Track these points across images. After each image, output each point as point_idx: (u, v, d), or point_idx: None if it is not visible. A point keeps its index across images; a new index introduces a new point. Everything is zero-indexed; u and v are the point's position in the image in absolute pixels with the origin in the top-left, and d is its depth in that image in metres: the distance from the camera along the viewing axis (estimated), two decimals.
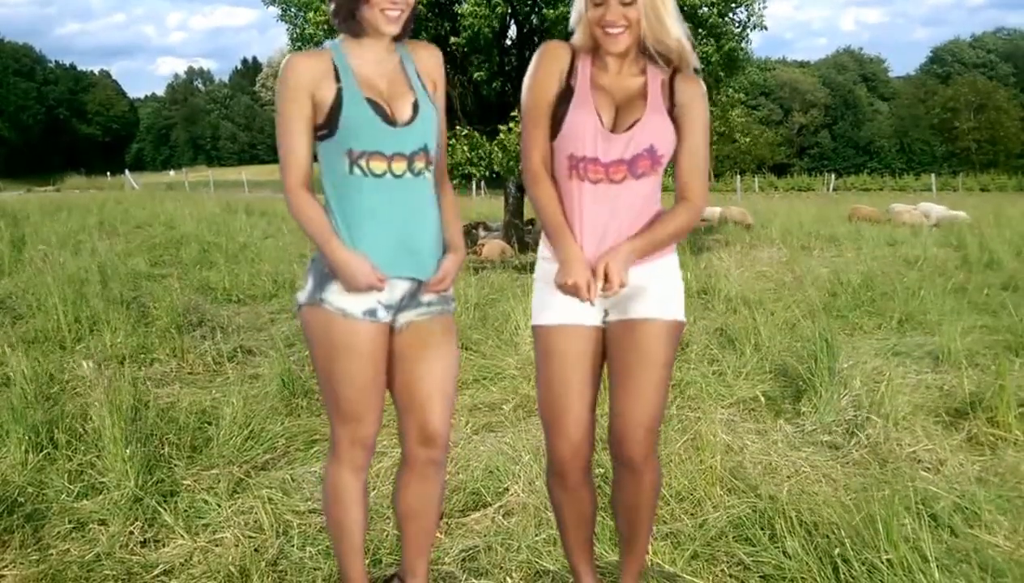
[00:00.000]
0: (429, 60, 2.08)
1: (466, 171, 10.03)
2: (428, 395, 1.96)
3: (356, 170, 1.94)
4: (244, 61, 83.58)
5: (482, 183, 26.65)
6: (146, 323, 5.61)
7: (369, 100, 1.95)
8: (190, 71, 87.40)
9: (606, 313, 2.00)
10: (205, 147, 72.19)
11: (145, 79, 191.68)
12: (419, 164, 1.98)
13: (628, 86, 2.00)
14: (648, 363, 1.91)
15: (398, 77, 2.01)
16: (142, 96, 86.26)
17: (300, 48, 10.63)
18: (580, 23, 2.02)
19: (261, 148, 72.15)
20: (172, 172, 54.41)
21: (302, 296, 1.98)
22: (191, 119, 73.48)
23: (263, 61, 76.18)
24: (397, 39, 2.03)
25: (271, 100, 71.25)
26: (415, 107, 1.99)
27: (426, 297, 1.99)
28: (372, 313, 1.93)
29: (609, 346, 1.97)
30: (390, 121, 1.96)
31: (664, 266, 1.99)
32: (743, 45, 10.30)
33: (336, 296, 1.93)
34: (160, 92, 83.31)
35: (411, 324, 1.98)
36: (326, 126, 1.96)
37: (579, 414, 1.95)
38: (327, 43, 2.04)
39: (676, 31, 1.95)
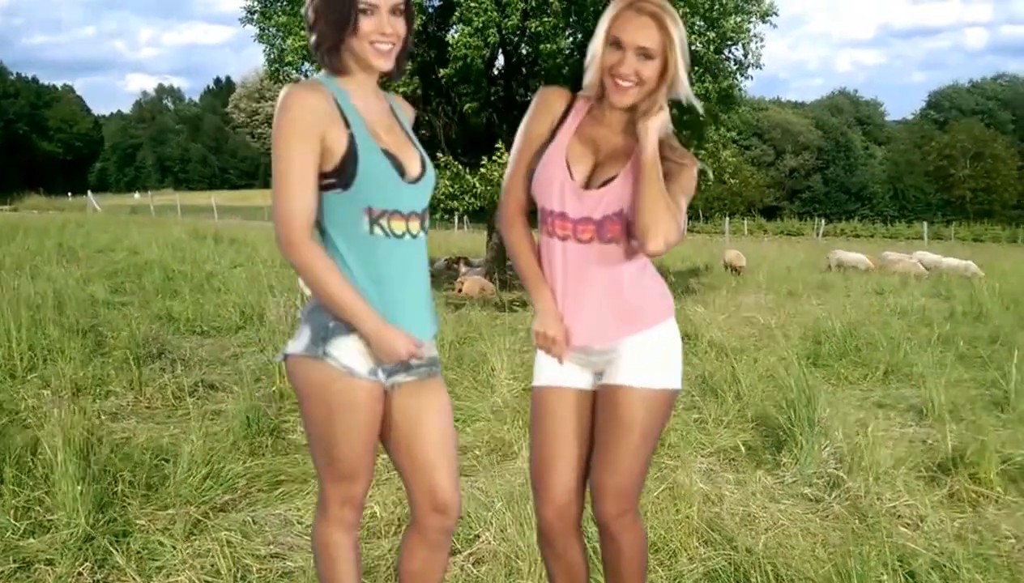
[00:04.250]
0: (411, 115, 2.12)
1: (448, 206, 10.21)
2: (434, 460, 1.97)
3: (377, 230, 1.92)
4: (217, 80, 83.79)
5: (464, 217, 26.92)
6: (103, 353, 5.59)
7: (385, 152, 1.92)
8: (159, 89, 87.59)
9: (599, 377, 2.05)
10: (173, 169, 72.00)
11: (113, 95, 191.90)
12: (425, 223, 2.00)
13: (616, 142, 2.02)
14: (622, 431, 1.97)
15: (394, 126, 2.00)
16: (107, 113, 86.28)
17: (277, 71, 10.74)
18: (592, 65, 2.00)
19: (232, 172, 72.09)
20: (137, 194, 54.23)
21: (295, 347, 1.93)
22: (159, 139, 73.43)
23: (237, 81, 76.57)
24: (386, 79, 1.99)
25: (244, 122, 71.74)
26: (423, 164, 1.99)
27: (414, 361, 1.97)
28: (374, 373, 1.93)
29: (595, 411, 2.04)
30: (404, 175, 1.94)
31: (653, 335, 2.02)
32: (739, 83, 10.62)
33: (344, 353, 1.90)
34: (127, 109, 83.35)
35: (403, 385, 1.98)
36: (336, 176, 1.89)
37: (565, 478, 2.02)
38: (318, 76, 1.97)
39: (687, 89, 1.98)
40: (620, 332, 2.00)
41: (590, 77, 2.01)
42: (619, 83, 1.96)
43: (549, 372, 2.06)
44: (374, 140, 1.92)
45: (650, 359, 2.00)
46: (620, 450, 1.96)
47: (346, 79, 1.96)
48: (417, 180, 1.97)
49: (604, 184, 1.99)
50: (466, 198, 9.85)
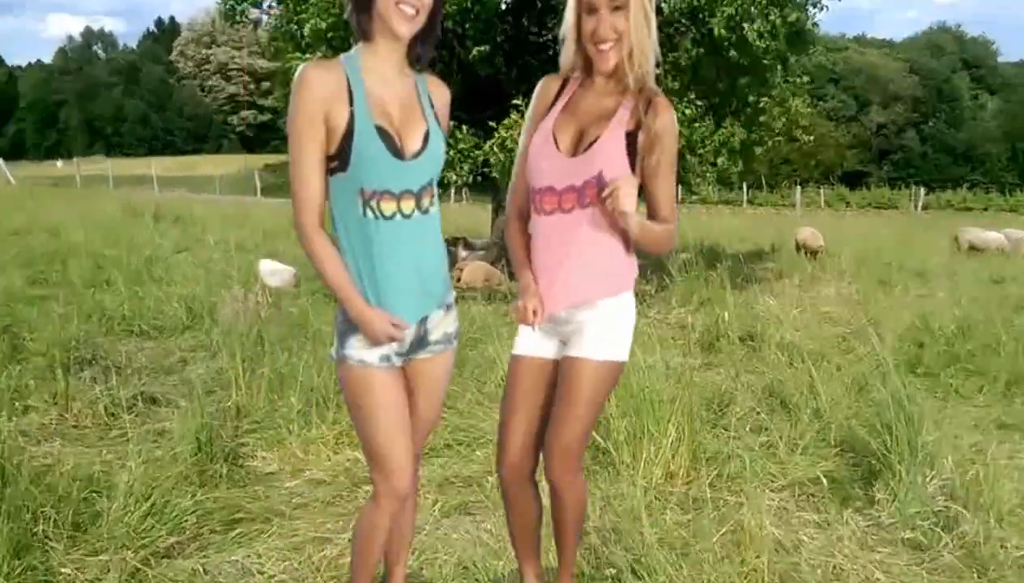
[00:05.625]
0: (443, 96, 2.52)
1: (442, 177, 10.14)
2: (417, 427, 2.54)
3: (368, 212, 2.33)
4: (159, 22, 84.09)
5: (463, 189, 26.71)
6: (19, 359, 5.62)
7: (379, 128, 2.31)
8: (87, 33, 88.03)
9: (564, 347, 2.67)
10: (104, 132, 72.06)
11: (29, 42, 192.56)
12: (426, 201, 2.39)
13: (602, 106, 2.57)
14: (571, 398, 2.58)
15: (412, 103, 2.41)
16: (23, 64, 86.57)
17: (233, 10, 10.74)
18: (567, 41, 2.59)
19: (178, 134, 72.13)
20: (60, 162, 54.57)
21: (333, 352, 2.48)
22: (87, 95, 73.37)
23: (183, 23, 76.78)
24: (415, 62, 2.43)
25: (191, 73, 71.60)
26: (426, 138, 2.38)
27: (433, 336, 2.52)
28: (387, 359, 2.43)
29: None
30: (398, 153, 2.33)
31: (610, 306, 2.61)
32: (811, 17, 10.39)
33: (355, 349, 2.41)
34: (48, 59, 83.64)
35: (416, 361, 2.51)
36: (337, 158, 2.31)
37: (517, 438, 2.68)
38: (341, 56, 2.39)
39: (654, 44, 2.55)
40: (588, 294, 2.59)
41: (567, 54, 2.60)
42: (600, 48, 2.52)
43: (521, 342, 2.71)
44: (371, 118, 2.30)
45: (604, 331, 2.59)
46: (565, 416, 2.58)
47: (369, 53, 2.39)
48: (416, 156, 2.35)
49: (588, 148, 2.52)
50: (464, 166, 9.74)
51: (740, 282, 9.98)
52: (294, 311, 6.79)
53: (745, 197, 42.81)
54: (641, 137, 2.53)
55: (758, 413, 4.92)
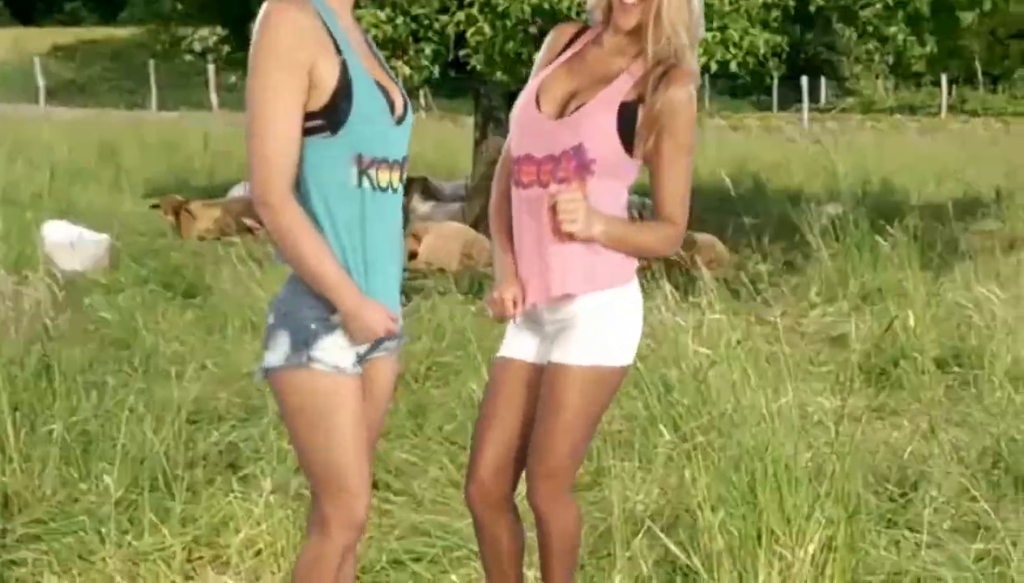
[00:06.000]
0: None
1: (394, 68, 7.44)
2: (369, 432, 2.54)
3: (365, 182, 2.32)
4: None
5: (423, 92, 19.19)
6: None
7: (378, 85, 2.33)
8: None
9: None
10: None
11: None
12: (404, 174, 2.44)
13: (607, 67, 2.61)
14: (556, 411, 2.57)
15: (373, 56, 2.43)
16: None
17: None
18: None
19: None
20: None
21: (274, 358, 2.34)
22: None
23: None
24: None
25: None
26: (405, 100, 2.42)
27: (389, 339, 2.47)
28: (357, 364, 2.38)
29: None
30: (395, 116, 2.36)
31: (602, 302, 2.59)
32: None
33: (329, 353, 2.32)
34: None
35: (369, 362, 2.44)
36: (324, 116, 2.26)
37: (491, 454, 2.65)
38: None
39: (696, 19, 2.55)
40: (571, 287, 2.56)
41: (592, 3, 2.64)
42: (624, 1, 2.51)
43: (507, 342, 2.72)
44: (366, 70, 2.32)
45: (594, 332, 2.57)
46: (548, 430, 2.57)
47: None
48: (402, 120, 2.39)
49: (573, 112, 2.57)
50: (426, 51, 7.09)
51: (936, 258, 7.61)
52: (109, 315, 5.86)
53: (944, 100, 30.38)
54: (641, 113, 2.52)
55: (972, 499, 3.85)
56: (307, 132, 2.24)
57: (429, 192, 9.80)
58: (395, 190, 2.38)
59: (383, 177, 2.32)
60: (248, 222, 9.14)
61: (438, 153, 14.44)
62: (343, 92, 2.23)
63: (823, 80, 34.41)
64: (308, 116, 2.23)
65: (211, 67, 26.31)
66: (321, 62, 2.21)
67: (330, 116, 2.24)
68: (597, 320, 2.56)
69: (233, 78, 19.49)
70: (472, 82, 8.86)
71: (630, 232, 2.58)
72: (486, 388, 2.76)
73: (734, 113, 31.35)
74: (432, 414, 4.87)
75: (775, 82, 30.21)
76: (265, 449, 4.22)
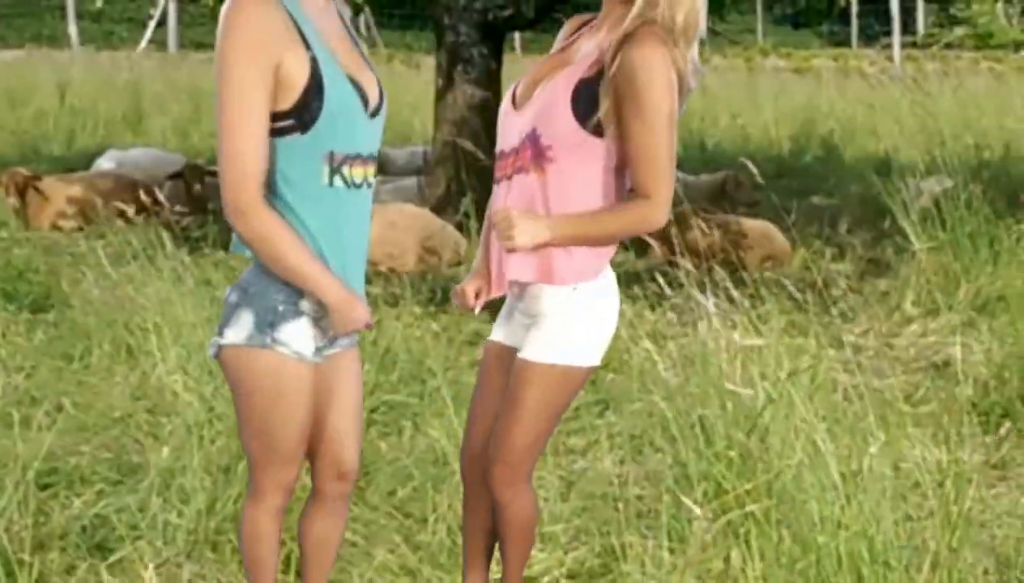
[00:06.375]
0: (344, 10, 3.16)
1: None
2: (344, 431, 3.28)
3: (337, 181, 2.93)
4: None
5: (368, 22, 19.33)
6: None
7: (351, 80, 2.89)
8: None
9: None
10: None
11: None
12: (375, 167, 3.10)
13: (584, 51, 3.22)
14: (514, 404, 3.33)
15: (347, 40, 3.01)
16: None
17: None
18: None
19: None
20: None
21: (235, 335, 3.00)
22: None
23: None
24: None
25: None
26: (380, 89, 3.06)
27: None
28: (319, 353, 3.10)
29: None
30: (368, 109, 2.96)
31: (566, 298, 3.25)
32: None
33: (294, 338, 3.00)
34: None
35: (331, 356, 3.21)
36: (295, 116, 2.82)
37: (482, 430, 3.52)
38: None
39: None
40: (523, 277, 3.25)
41: None
42: None
43: (497, 322, 3.52)
44: (338, 64, 2.88)
45: (557, 329, 3.25)
46: (508, 420, 3.33)
47: None
48: (376, 112, 3.02)
49: (530, 99, 3.25)
50: None
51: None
52: None
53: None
54: (602, 85, 3.03)
55: None
56: (276, 133, 2.83)
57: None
58: (369, 185, 3.02)
59: (356, 173, 2.95)
60: (121, 206, 9.12)
61: (386, 107, 14.60)
62: (314, 90, 2.79)
63: (920, 2, 34.48)
64: (277, 116, 2.81)
65: None
66: (288, 59, 2.77)
67: (301, 116, 2.81)
68: (563, 316, 3.22)
69: (99, 2, 19.54)
70: (434, 7, 9.04)
71: (589, 225, 3.13)
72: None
73: (797, 49, 31.57)
74: (378, 475, 4.93)
75: (854, 5, 30.42)
76: (146, 523, 4.23)
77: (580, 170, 3.14)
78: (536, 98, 3.17)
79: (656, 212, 3.12)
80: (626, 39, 3.03)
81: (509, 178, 3.23)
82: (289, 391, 3.05)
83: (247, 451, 3.19)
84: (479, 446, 3.51)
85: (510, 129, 3.23)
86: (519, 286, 3.31)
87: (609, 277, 3.29)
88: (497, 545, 3.62)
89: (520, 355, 3.30)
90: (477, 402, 3.53)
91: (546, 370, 3.25)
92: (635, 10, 3.05)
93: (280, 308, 2.98)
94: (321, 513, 3.37)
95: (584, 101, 3.08)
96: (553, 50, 3.38)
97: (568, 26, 3.41)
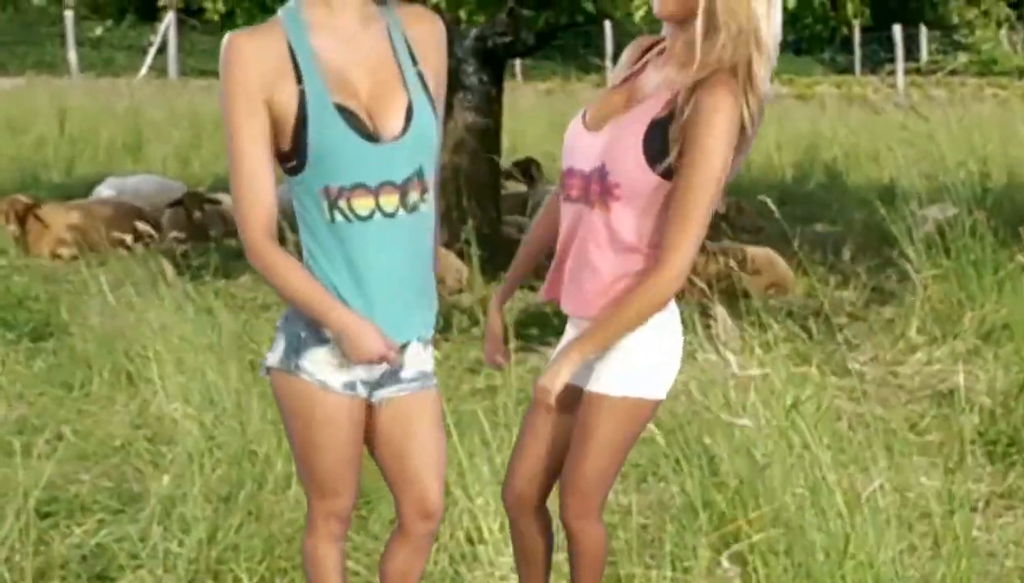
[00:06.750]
0: (430, 33, 3.10)
1: None
2: (425, 473, 3.31)
3: (338, 216, 2.93)
4: None
5: None
6: None
7: (339, 107, 2.86)
8: None
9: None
10: None
11: None
12: (415, 195, 2.99)
13: (656, 80, 3.19)
14: (585, 438, 3.36)
15: (385, 64, 2.98)
16: None
17: None
18: None
19: None
20: None
21: (272, 359, 3.14)
22: None
23: None
24: None
25: None
26: (409, 113, 2.95)
27: (405, 372, 3.19)
28: (352, 387, 3.12)
29: None
30: (370, 136, 2.90)
31: (640, 329, 3.21)
32: None
33: (316, 365, 3.07)
34: None
35: (391, 401, 3.22)
36: (295, 155, 2.90)
37: (530, 467, 3.53)
38: (280, 12, 2.92)
39: (773, 26, 3.05)
40: (598, 311, 3.25)
41: None
42: None
43: (552, 361, 3.41)
44: (328, 95, 2.87)
45: (627, 363, 3.26)
46: (581, 452, 3.37)
47: (321, 2, 2.92)
48: (397, 138, 2.92)
49: (602, 128, 3.21)
50: None
51: None
52: None
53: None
54: (672, 129, 3.01)
55: None
56: (289, 171, 2.93)
57: None
58: (389, 215, 2.93)
59: (361, 205, 2.90)
60: (120, 235, 9.09)
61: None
62: (301, 124, 2.84)
63: (923, 30, 34.52)
64: (287, 155, 2.90)
65: (69, 14, 26.25)
66: (277, 95, 2.83)
67: (300, 153, 2.87)
68: (632, 349, 3.22)
69: (99, 29, 19.53)
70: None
71: (609, 326, 3.16)
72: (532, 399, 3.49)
73: (800, 76, 31.53)
74: (380, 503, 4.88)
75: (856, 32, 30.41)
76: (147, 552, 4.22)
77: (646, 210, 3.12)
78: (606, 132, 3.15)
79: (671, 282, 3.09)
80: (701, 84, 2.99)
81: (574, 201, 3.21)
82: (318, 419, 3.09)
83: (299, 476, 3.35)
84: (524, 481, 3.52)
85: (580, 150, 3.20)
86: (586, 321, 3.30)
87: (674, 310, 3.28)
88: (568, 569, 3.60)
89: (589, 388, 3.30)
90: (527, 437, 3.53)
91: (616, 402, 3.27)
92: (699, 53, 2.99)
93: (303, 335, 3.04)
94: (404, 550, 3.40)
95: (656, 142, 3.05)
96: (619, 74, 3.36)
97: (633, 48, 3.38)
